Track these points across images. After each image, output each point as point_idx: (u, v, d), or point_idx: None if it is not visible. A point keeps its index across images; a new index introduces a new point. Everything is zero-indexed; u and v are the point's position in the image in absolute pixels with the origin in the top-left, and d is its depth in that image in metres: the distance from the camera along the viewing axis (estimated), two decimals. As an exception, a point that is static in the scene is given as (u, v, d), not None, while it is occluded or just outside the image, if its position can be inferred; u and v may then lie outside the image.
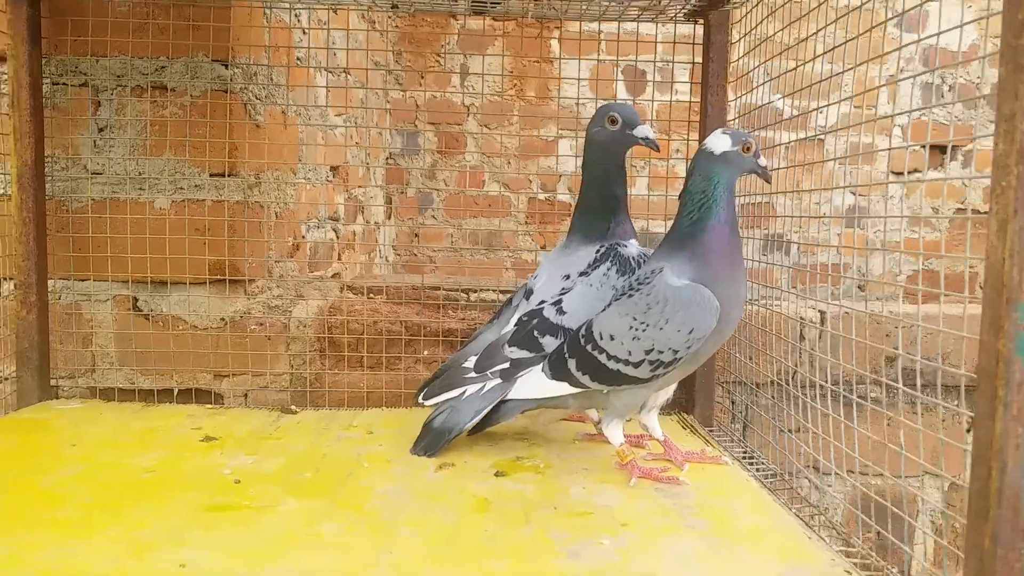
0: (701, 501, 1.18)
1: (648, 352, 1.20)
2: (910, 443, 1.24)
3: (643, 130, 1.36)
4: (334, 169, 2.32)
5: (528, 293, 1.47)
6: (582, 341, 1.26)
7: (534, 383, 1.33)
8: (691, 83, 1.81)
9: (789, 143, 1.56)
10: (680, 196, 1.26)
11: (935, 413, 1.70)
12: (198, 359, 1.72)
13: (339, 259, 2.43)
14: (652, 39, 1.76)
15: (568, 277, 1.41)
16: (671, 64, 1.72)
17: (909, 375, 1.69)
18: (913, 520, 1.68)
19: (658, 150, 1.38)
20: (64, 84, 1.67)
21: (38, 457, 1.32)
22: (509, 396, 1.34)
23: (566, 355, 1.28)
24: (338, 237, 2.42)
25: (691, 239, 1.21)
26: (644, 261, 1.39)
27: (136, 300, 1.73)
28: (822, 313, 1.73)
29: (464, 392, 1.37)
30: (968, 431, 1.77)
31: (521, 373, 1.35)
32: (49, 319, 1.67)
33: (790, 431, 1.55)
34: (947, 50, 2.63)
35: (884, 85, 2.30)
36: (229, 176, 1.69)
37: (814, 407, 1.41)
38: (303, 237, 2.06)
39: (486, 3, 1.54)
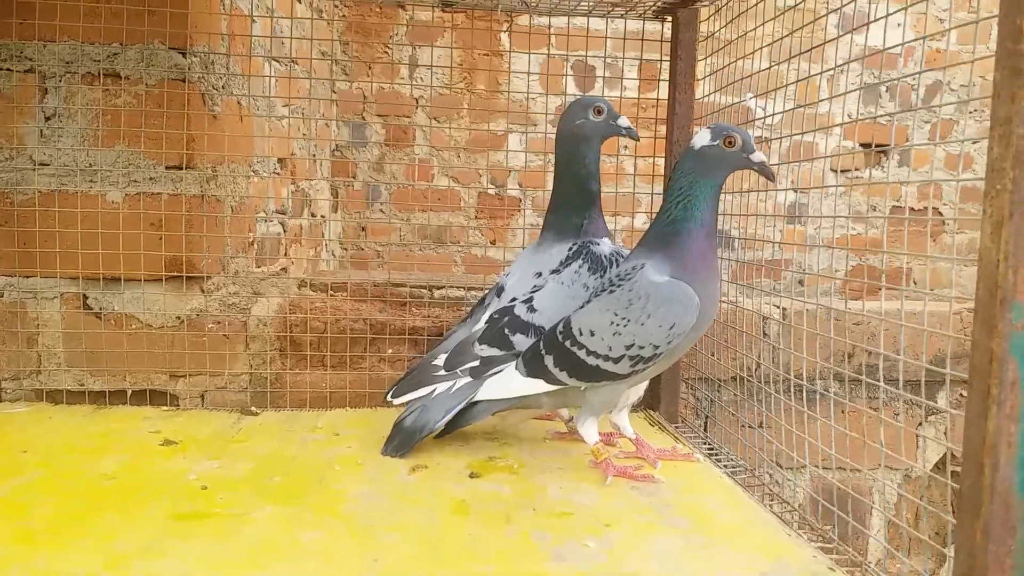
0: (678, 499, 1.19)
1: (629, 347, 1.20)
2: (868, 436, 1.28)
3: (624, 120, 1.37)
4: (281, 161, 2.26)
5: (500, 290, 1.46)
6: (560, 337, 1.25)
7: (507, 382, 1.32)
8: (639, 79, 1.84)
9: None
10: (663, 191, 1.26)
11: (891, 408, 1.75)
12: (153, 359, 1.66)
13: (286, 254, 2.37)
14: (602, 35, 1.76)
15: (540, 275, 1.41)
16: (620, 60, 1.72)
17: (871, 371, 1.73)
18: (869, 511, 1.72)
19: (638, 140, 1.40)
20: (8, 70, 1.58)
21: (-12, 464, 1.25)
22: (481, 396, 1.33)
23: (543, 352, 1.27)
24: (285, 231, 2.36)
25: (670, 237, 1.22)
26: (617, 259, 1.39)
27: (86, 298, 1.65)
28: (783, 309, 1.76)
29: (434, 390, 1.35)
30: (919, 424, 1.84)
31: (492, 371, 1.34)
32: (-8, 318, 1.59)
33: (751, 426, 1.58)
34: (888, 52, 2.71)
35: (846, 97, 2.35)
36: (186, 169, 1.63)
37: (778, 401, 1.44)
38: (255, 232, 2.00)
39: (456, -3, 1.51)
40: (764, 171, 1.23)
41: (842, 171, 3.40)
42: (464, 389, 1.34)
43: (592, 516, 1.11)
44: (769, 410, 1.50)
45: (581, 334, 1.23)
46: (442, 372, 1.35)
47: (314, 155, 2.75)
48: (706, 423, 1.79)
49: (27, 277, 1.64)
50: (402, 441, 1.35)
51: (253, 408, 1.63)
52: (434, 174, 3.30)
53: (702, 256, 1.22)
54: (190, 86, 1.62)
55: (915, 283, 3.41)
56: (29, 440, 1.37)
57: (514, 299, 1.39)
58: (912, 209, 3.52)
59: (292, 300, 1.77)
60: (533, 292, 1.38)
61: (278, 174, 2.24)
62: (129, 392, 1.66)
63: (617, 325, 1.20)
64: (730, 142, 1.20)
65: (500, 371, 1.33)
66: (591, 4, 1.54)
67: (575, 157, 1.40)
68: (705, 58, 1.65)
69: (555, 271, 1.39)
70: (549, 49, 1.90)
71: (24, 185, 1.60)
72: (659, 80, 1.73)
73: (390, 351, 1.76)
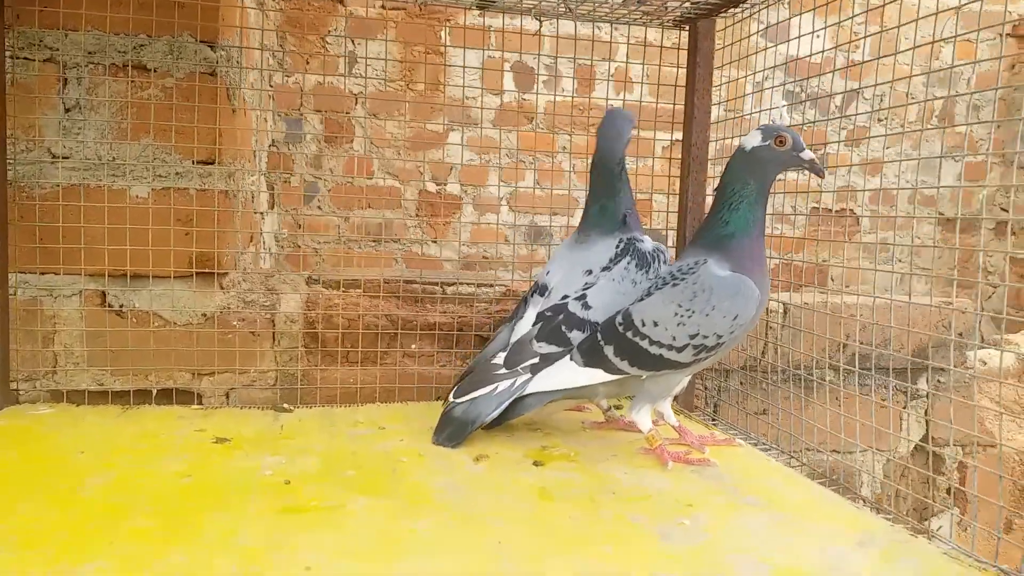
0: (742, 481, 1.27)
1: (693, 337, 1.26)
2: (856, 422, 1.40)
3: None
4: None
5: (542, 290, 1.49)
6: (620, 328, 1.31)
7: (563, 373, 1.36)
8: (575, 79, 1.92)
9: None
10: (715, 191, 1.34)
11: (880, 393, 1.89)
12: (177, 357, 1.63)
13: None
14: (538, 34, 1.82)
15: (590, 272, 1.46)
16: (556, 61, 1.81)
17: (862, 361, 1.87)
18: (858, 490, 1.86)
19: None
20: (27, 59, 1.52)
21: (51, 467, 1.21)
22: (533, 389, 1.37)
23: (601, 342, 1.32)
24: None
25: (725, 240, 1.29)
26: (659, 255, 1.46)
27: (105, 295, 1.61)
28: (784, 304, 1.88)
29: (496, 388, 1.38)
30: (904, 407, 1.99)
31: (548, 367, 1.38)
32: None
33: (758, 412, 1.69)
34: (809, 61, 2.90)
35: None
36: (216, 164, 1.60)
37: (782, 386, 1.55)
38: (256, 226, 1.97)
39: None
40: (815, 168, 1.28)
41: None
42: (523, 386, 1.37)
43: (672, 499, 1.18)
44: (773, 398, 1.61)
45: (644, 325, 1.29)
46: (503, 370, 1.38)
47: (254, 151, 2.71)
48: (716, 408, 1.89)
49: (43, 274, 1.58)
50: (454, 431, 1.39)
51: (285, 405, 1.62)
52: (374, 171, 3.30)
53: (757, 255, 1.30)
54: (219, 80, 1.60)
55: (832, 280, 3.64)
56: (77, 441, 1.33)
57: (565, 296, 1.44)
58: (828, 210, 3.76)
59: (310, 297, 1.76)
60: (585, 289, 1.43)
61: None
62: (154, 391, 1.63)
63: (681, 316, 1.27)
64: (781, 141, 1.25)
65: (553, 365, 1.38)
66: (624, 11, 1.60)
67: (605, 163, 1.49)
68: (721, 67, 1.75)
69: (606, 268, 1.45)
70: (488, 48, 1.92)
71: (43, 179, 1.55)
72: (596, 80, 1.81)
73: (414, 346, 1.78)
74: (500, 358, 1.40)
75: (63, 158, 1.55)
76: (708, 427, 1.60)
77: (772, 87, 1.72)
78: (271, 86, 3.13)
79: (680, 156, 1.78)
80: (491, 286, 1.90)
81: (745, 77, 1.75)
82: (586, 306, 1.42)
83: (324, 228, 3.21)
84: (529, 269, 2.29)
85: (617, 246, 1.47)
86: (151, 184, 1.58)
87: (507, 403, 1.37)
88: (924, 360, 1.88)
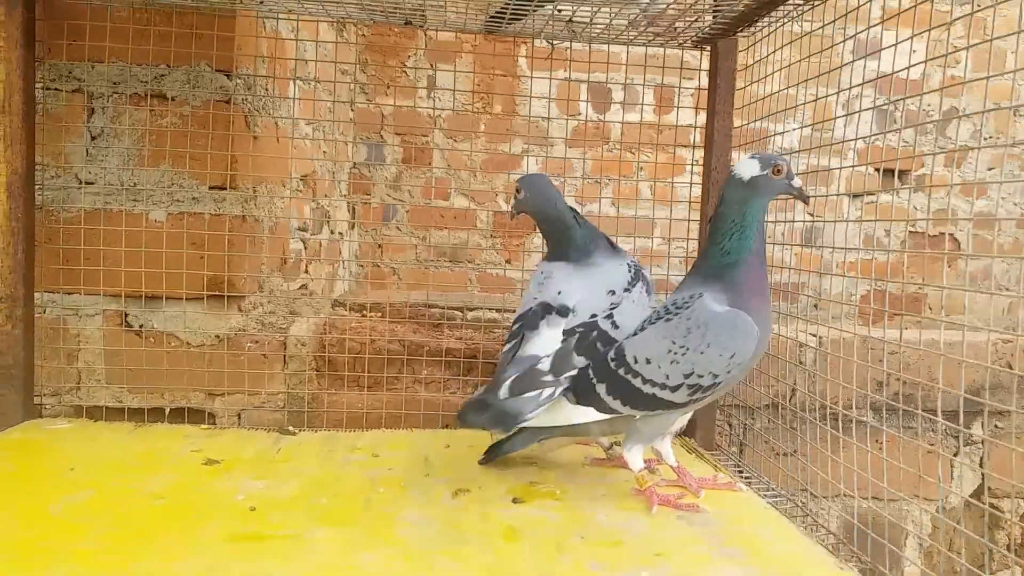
0: (727, 529, 1.19)
1: (688, 376, 1.20)
2: (902, 464, 1.28)
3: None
4: (304, 179, 2.28)
5: (562, 310, 1.40)
6: (612, 365, 1.24)
7: (555, 410, 1.30)
8: (655, 104, 1.86)
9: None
10: (711, 221, 1.27)
11: (925, 438, 1.75)
12: (191, 377, 1.67)
13: (306, 271, 2.38)
14: (621, 61, 1.78)
15: (614, 292, 1.40)
16: (634, 83, 1.75)
17: (904, 400, 1.74)
18: (903, 541, 1.72)
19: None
20: (57, 89, 1.61)
21: (39, 482, 1.26)
22: (528, 424, 1.32)
23: (593, 380, 1.26)
24: (305, 248, 2.37)
25: (726, 269, 1.22)
26: (652, 285, 1.41)
27: (127, 315, 1.67)
28: (818, 337, 1.77)
29: (540, 394, 1.29)
30: (955, 455, 1.84)
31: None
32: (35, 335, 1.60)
33: (786, 453, 1.59)
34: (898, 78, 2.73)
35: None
36: (229, 189, 1.64)
37: (813, 428, 1.45)
38: (288, 252, 2.01)
39: (501, 23, 1.53)
40: (802, 196, 1.25)
41: (855, 196, 3.41)
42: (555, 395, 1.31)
43: (644, 546, 1.11)
44: (804, 437, 1.50)
45: (636, 362, 1.22)
46: (550, 377, 1.30)
47: (333, 173, 2.77)
48: (741, 449, 1.79)
49: (68, 294, 1.65)
50: (496, 416, 1.27)
51: (291, 428, 1.63)
52: (451, 193, 3.32)
53: (758, 286, 1.23)
54: (234, 108, 1.64)
55: (930, 309, 3.42)
56: (75, 457, 1.38)
57: (594, 315, 1.37)
58: (928, 235, 3.53)
59: (328, 320, 1.78)
60: (612, 309, 1.37)
61: (300, 191, 2.26)
62: (167, 410, 1.67)
63: (675, 353, 1.20)
64: (778, 171, 1.21)
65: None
66: (634, 33, 1.55)
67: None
68: (745, 87, 1.67)
69: (626, 289, 1.40)
70: (569, 72, 1.90)
71: (69, 203, 1.62)
72: (676, 106, 1.76)
73: (425, 372, 1.77)
74: (546, 364, 1.32)
75: (88, 183, 1.62)
76: (717, 467, 1.52)
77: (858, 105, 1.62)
78: (352, 111, 3.22)
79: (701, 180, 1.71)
80: (513, 311, 1.86)
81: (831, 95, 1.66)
82: (615, 325, 1.35)
83: (402, 250, 3.27)
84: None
85: (630, 270, 1.43)
86: (168, 208, 1.64)
87: (545, 404, 1.28)
88: (980, 400, 1.72)
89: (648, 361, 1.21)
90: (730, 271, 1.22)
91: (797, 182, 1.22)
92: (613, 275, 1.43)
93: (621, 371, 1.23)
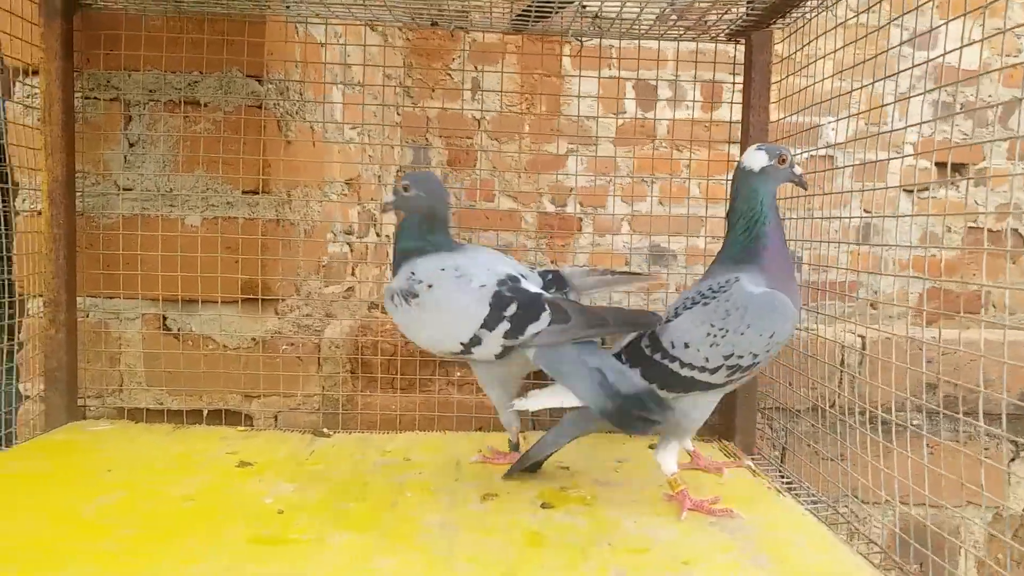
0: (761, 536, 1.15)
1: (727, 357, 1.21)
2: (952, 472, 1.23)
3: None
4: (348, 183, 2.29)
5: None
6: (648, 351, 1.24)
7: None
8: (702, 100, 1.81)
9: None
10: (727, 216, 1.31)
11: (977, 442, 1.67)
12: (228, 380, 1.69)
13: (352, 273, 2.39)
14: (666, 57, 1.74)
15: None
16: (676, 81, 1.70)
17: (951, 402, 1.66)
18: (956, 552, 1.65)
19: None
20: (95, 98, 1.64)
21: (76, 483, 1.28)
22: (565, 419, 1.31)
23: (627, 365, 1.25)
24: (351, 251, 2.39)
25: (753, 255, 1.26)
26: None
27: (165, 319, 1.70)
28: (862, 338, 1.70)
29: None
30: (1012, 460, 1.75)
31: None
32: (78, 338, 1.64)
33: (830, 458, 1.53)
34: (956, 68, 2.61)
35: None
36: (262, 193, 1.66)
37: (858, 433, 1.40)
38: (326, 255, 2.03)
39: (527, 22, 1.51)
40: (802, 182, 1.34)
41: (912, 190, 3.29)
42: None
43: (671, 553, 1.08)
44: (849, 442, 1.45)
45: (674, 347, 1.23)
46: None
47: (379, 176, 2.78)
48: (783, 455, 1.74)
49: (110, 298, 1.69)
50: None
51: (325, 430, 1.64)
52: (496, 194, 3.31)
53: (787, 267, 1.27)
54: (266, 112, 1.65)
55: (994, 307, 3.28)
56: (113, 459, 1.41)
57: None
58: (989, 231, 3.39)
59: (363, 322, 1.78)
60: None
61: (345, 195, 2.27)
62: (206, 411, 1.70)
63: (714, 336, 1.21)
64: (783, 160, 1.28)
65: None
66: (663, 28, 1.52)
67: None
68: (780, 80, 1.62)
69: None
70: (615, 70, 1.87)
71: (109, 209, 1.66)
72: (723, 102, 1.71)
73: (458, 374, 1.76)
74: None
75: (126, 190, 1.66)
76: (756, 472, 1.47)
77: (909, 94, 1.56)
78: (398, 115, 3.24)
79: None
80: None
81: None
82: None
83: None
84: (648, 292, 2.18)
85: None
86: (203, 213, 1.66)
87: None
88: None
89: (687, 346, 1.22)
90: (758, 255, 1.25)
91: (798, 170, 1.31)
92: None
93: (657, 356, 1.23)
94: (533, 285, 1.33)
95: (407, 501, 1.26)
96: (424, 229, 1.37)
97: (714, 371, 1.21)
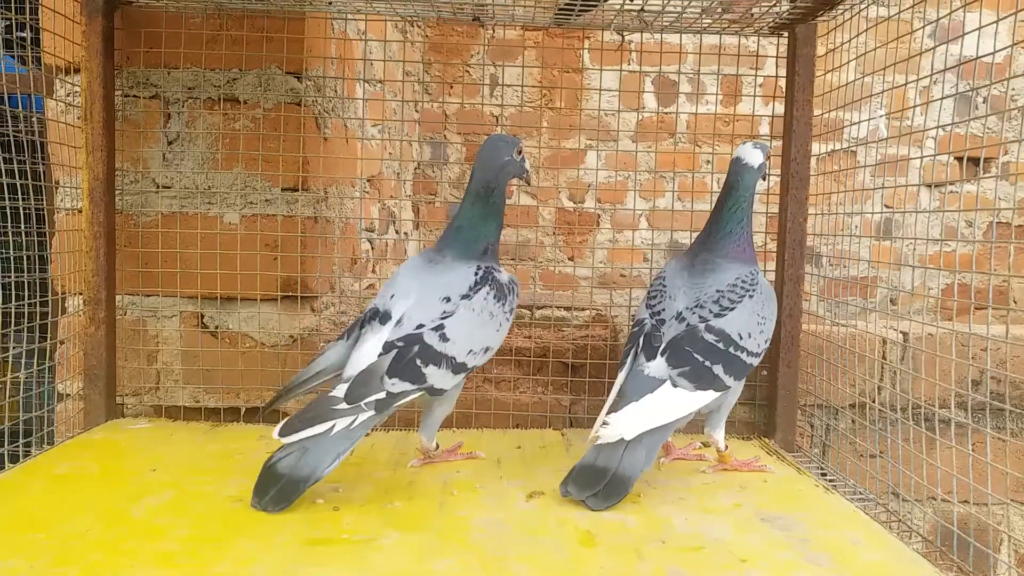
0: (814, 533, 1.14)
1: (767, 341, 1.39)
2: (995, 468, 1.21)
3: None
4: (370, 180, 2.29)
5: (383, 317, 1.29)
6: (721, 346, 1.31)
7: (673, 404, 1.27)
8: (722, 95, 1.81)
9: (819, 155, 1.69)
10: (719, 205, 1.42)
11: (1022, 438, 1.65)
12: (265, 377, 1.69)
13: (373, 271, 2.39)
14: (684, 50, 1.72)
15: (448, 299, 1.29)
16: (699, 75, 1.69)
17: (995, 398, 1.64)
18: (998, 546, 1.63)
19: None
20: (135, 96, 1.64)
21: (121, 483, 1.28)
22: (640, 430, 1.23)
23: (706, 364, 1.30)
24: (372, 248, 2.38)
25: (746, 245, 1.41)
26: (513, 287, 1.38)
27: (203, 316, 1.69)
28: (904, 334, 1.69)
29: (333, 427, 1.18)
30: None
31: (400, 403, 1.23)
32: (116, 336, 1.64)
33: (872, 455, 1.52)
34: (982, 62, 2.57)
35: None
36: (301, 191, 1.66)
37: (900, 428, 1.39)
38: (358, 251, 2.02)
39: (570, 16, 1.50)
40: (766, 177, 1.48)
41: (936, 186, 3.25)
42: (366, 423, 1.20)
43: (726, 551, 1.07)
44: (891, 438, 1.44)
45: (741, 338, 1.33)
46: (343, 406, 1.18)
47: (398, 173, 2.77)
48: (824, 451, 1.72)
49: (148, 296, 1.69)
50: (281, 493, 1.16)
51: (363, 428, 1.63)
52: (513, 190, 3.29)
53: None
54: (305, 109, 1.65)
55: (1015, 302, 3.24)
56: (155, 459, 1.41)
57: (421, 325, 1.26)
58: (1014, 226, 3.35)
59: (398, 320, 1.77)
60: (444, 319, 1.27)
61: (367, 193, 2.26)
62: (243, 409, 1.70)
63: (760, 324, 1.37)
64: (768, 158, 1.43)
65: (642, 402, 1.26)
66: (707, 22, 1.50)
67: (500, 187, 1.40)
68: (825, 74, 1.60)
69: (465, 296, 1.30)
70: (634, 64, 1.85)
71: (148, 207, 1.66)
72: (743, 95, 1.70)
73: (494, 372, 1.75)
74: (340, 390, 1.19)
75: (165, 187, 1.65)
76: (800, 470, 1.46)
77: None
78: (416, 111, 3.24)
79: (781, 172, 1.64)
80: (583, 310, 1.84)
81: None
82: (444, 338, 1.25)
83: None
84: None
85: (476, 273, 1.32)
86: (241, 211, 1.66)
87: (346, 454, 1.19)
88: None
89: (749, 335, 1.35)
90: (749, 246, 1.41)
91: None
92: (455, 279, 1.31)
93: (731, 349, 1.33)
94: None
95: (454, 500, 1.26)
96: (460, 205, 1.44)
97: (759, 355, 1.37)
